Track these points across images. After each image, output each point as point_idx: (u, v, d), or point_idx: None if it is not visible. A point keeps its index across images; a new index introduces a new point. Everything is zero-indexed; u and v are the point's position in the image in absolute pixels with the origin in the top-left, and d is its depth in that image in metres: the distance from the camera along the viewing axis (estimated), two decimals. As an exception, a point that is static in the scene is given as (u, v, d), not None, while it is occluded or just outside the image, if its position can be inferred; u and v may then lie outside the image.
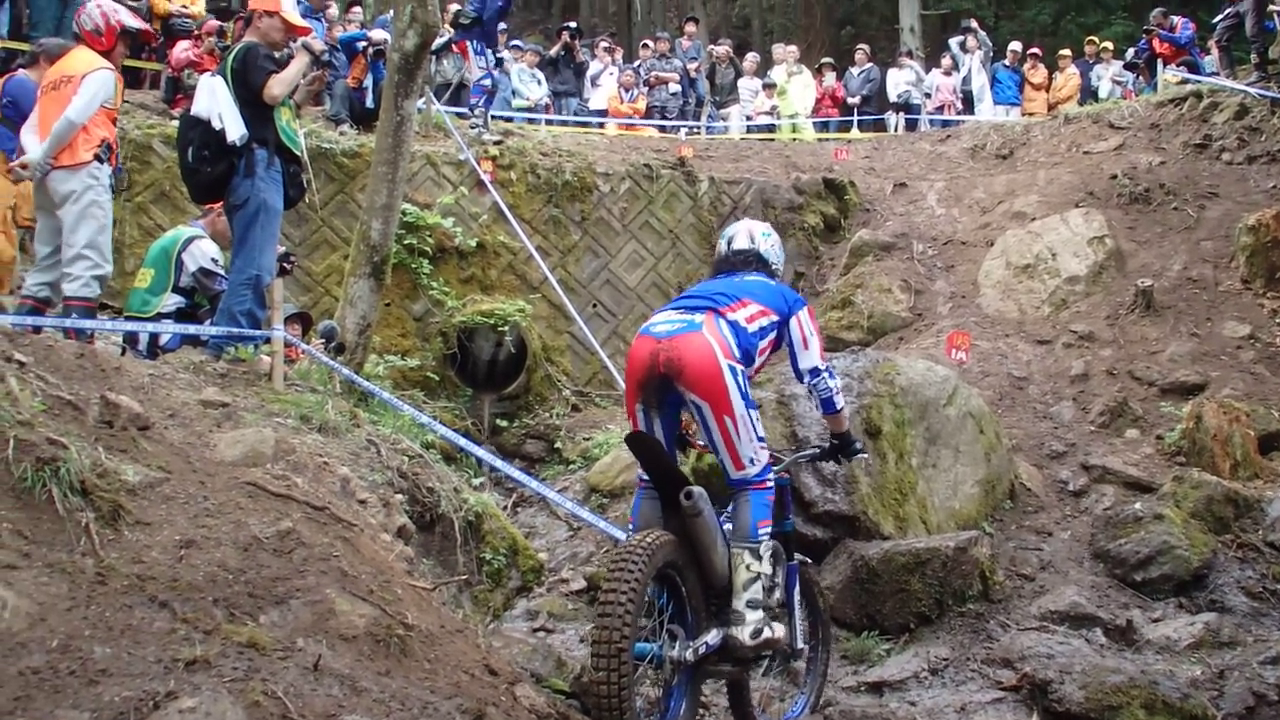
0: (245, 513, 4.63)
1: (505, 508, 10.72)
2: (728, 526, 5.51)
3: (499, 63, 16.37)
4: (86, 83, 7.73)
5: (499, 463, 8.40)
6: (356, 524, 5.20)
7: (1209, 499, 9.20)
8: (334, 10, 17.23)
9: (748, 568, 5.32)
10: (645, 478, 5.51)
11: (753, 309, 5.55)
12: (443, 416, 11.06)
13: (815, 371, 5.71)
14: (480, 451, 8.26)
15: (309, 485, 5.31)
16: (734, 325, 5.41)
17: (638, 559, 4.72)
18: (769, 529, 5.51)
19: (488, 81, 15.72)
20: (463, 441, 7.98)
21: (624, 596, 4.56)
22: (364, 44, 15.03)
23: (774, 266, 6.11)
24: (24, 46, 13.54)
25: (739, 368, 5.30)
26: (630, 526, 5.72)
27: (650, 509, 5.46)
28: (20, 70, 8.78)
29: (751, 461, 5.44)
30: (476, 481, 10.27)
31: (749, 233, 6.18)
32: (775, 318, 5.64)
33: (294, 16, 8.18)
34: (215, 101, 7.38)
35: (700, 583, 5.23)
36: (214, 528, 4.40)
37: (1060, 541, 9.35)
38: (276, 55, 7.90)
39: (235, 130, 7.36)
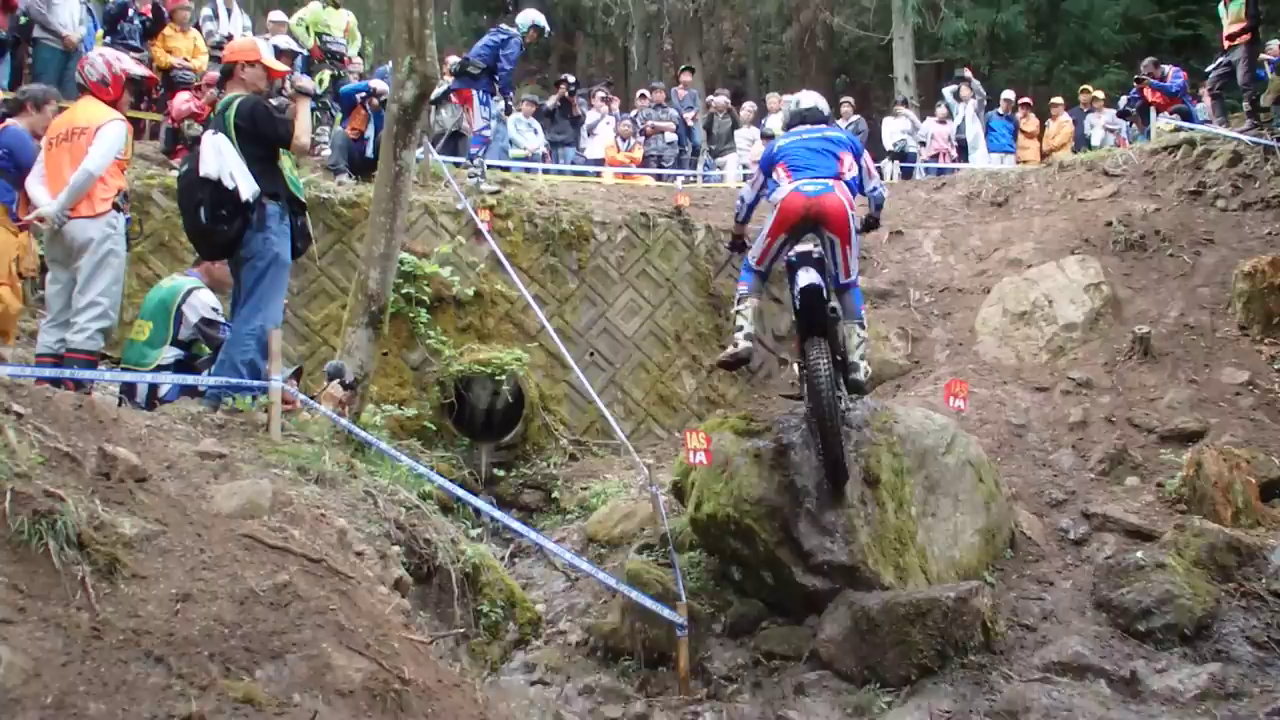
0: (242, 565, 4.59)
1: (502, 558, 10.69)
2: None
3: (508, 109, 16.38)
4: (101, 135, 7.76)
5: (496, 513, 8.38)
6: (353, 576, 5.16)
7: (1211, 547, 9.13)
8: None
9: (858, 335, 8.84)
10: (760, 268, 9.06)
11: (848, 162, 8.84)
12: (440, 466, 11.02)
13: (875, 187, 9.29)
14: (477, 502, 8.24)
15: (306, 537, 5.27)
16: (847, 183, 8.68)
17: (828, 358, 8.34)
18: (863, 310, 9.13)
19: (488, 132, 15.74)
20: (460, 492, 7.95)
21: (826, 379, 8.23)
22: (363, 95, 15.06)
23: (829, 115, 9.67)
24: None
25: (854, 210, 8.61)
26: (745, 287, 9.14)
27: (799, 361, 8.87)
28: (9, 120, 8.76)
29: (852, 271, 8.75)
30: (474, 532, 10.22)
31: (810, 96, 9.79)
32: (855, 161, 8.95)
33: (273, 61, 8.27)
34: (224, 160, 7.36)
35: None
36: (210, 581, 4.37)
37: (1062, 591, 9.29)
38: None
39: (248, 188, 7.36)
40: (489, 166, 15.93)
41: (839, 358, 8.66)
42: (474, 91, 15.00)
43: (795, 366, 9.33)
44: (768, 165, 9.19)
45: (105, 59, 8.18)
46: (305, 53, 16.59)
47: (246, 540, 4.86)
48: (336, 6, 16.39)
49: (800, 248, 8.75)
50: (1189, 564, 8.96)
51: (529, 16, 15.86)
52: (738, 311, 9.14)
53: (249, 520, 5.16)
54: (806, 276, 8.45)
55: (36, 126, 8.70)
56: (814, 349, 8.34)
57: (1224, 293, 13.17)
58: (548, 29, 16.68)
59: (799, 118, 9.42)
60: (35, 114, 8.73)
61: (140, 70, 8.70)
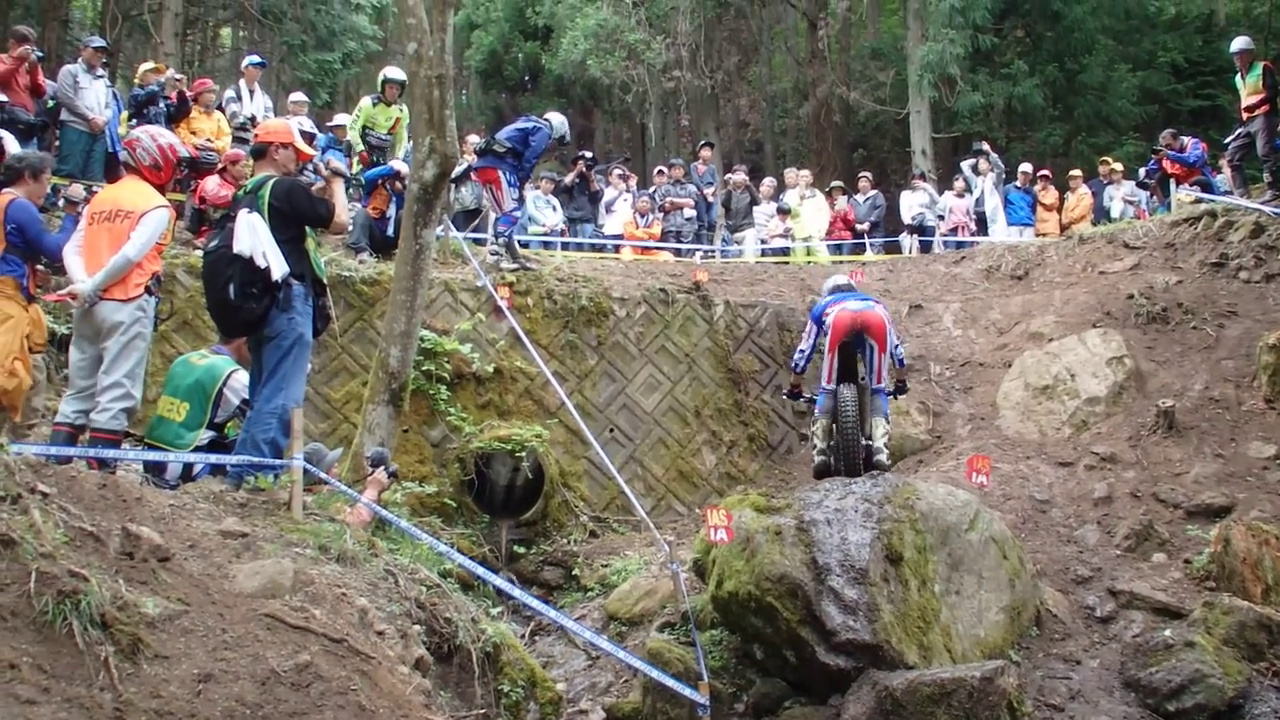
0: (263, 645, 4.58)
1: (523, 636, 10.63)
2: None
3: (521, 199, 16.43)
4: (146, 221, 7.79)
5: (516, 591, 8.32)
6: (374, 656, 5.13)
7: (1241, 625, 9.03)
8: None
9: (883, 426, 10.42)
10: (830, 385, 10.45)
11: (882, 306, 10.88)
12: (460, 543, 10.99)
13: (897, 346, 10.87)
14: (497, 580, 8.18)
15: (327, 617, 5.25)
16: (883, 307, 10.81)
17: (855, 397, 10.27)
18: (888, 411, 10.71)
19: (518, 213, 15.83)
20: (480, 570, 7.90)
21: (852, 414, 10.11)
22: (383, 180, 15.18)
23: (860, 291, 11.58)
24: (56, 180, 13.75)
25: (892, 328, 10.56)
26: (817, 410, 10.84)
27: (830, 401, 10.45)
28: (6, 190, 8.71)
29: (884, 380, 10.51)
30: (494, 610, 10.16)
31: (845, 278, 11.72)
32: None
33: (303, 145, 8.35)
34: (258, 239, 7.40)
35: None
36: (232, 661, 4.36)
37: (1089, 670, 9.19)
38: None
39: (279, 268, 7.40)
40: (521, 245, 15.93)
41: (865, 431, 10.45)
42: (500, 171, 14.97)
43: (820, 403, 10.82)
44: (819, 316, 10.90)
45: (156, 142, 8.22)
46: (347, 142, 16.71)
47: (268, 620, 4.85)
48: (389, 104, 16.42)
49: None
50: (1219, 642, 8.86)
51: (564, 124, 16.19)
52: (812, 432, 11.15)
53: (271, 600, 5.14)
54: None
55: (35, 195, 8.69)
56: (847, 390, 10.19)
57: (1249, 365, 13.09)
58: (568, 139, 17.39)
59: (836, 288, 11.30)
60: (33, 183, 8.68)
61: (185, 150, 8.78)
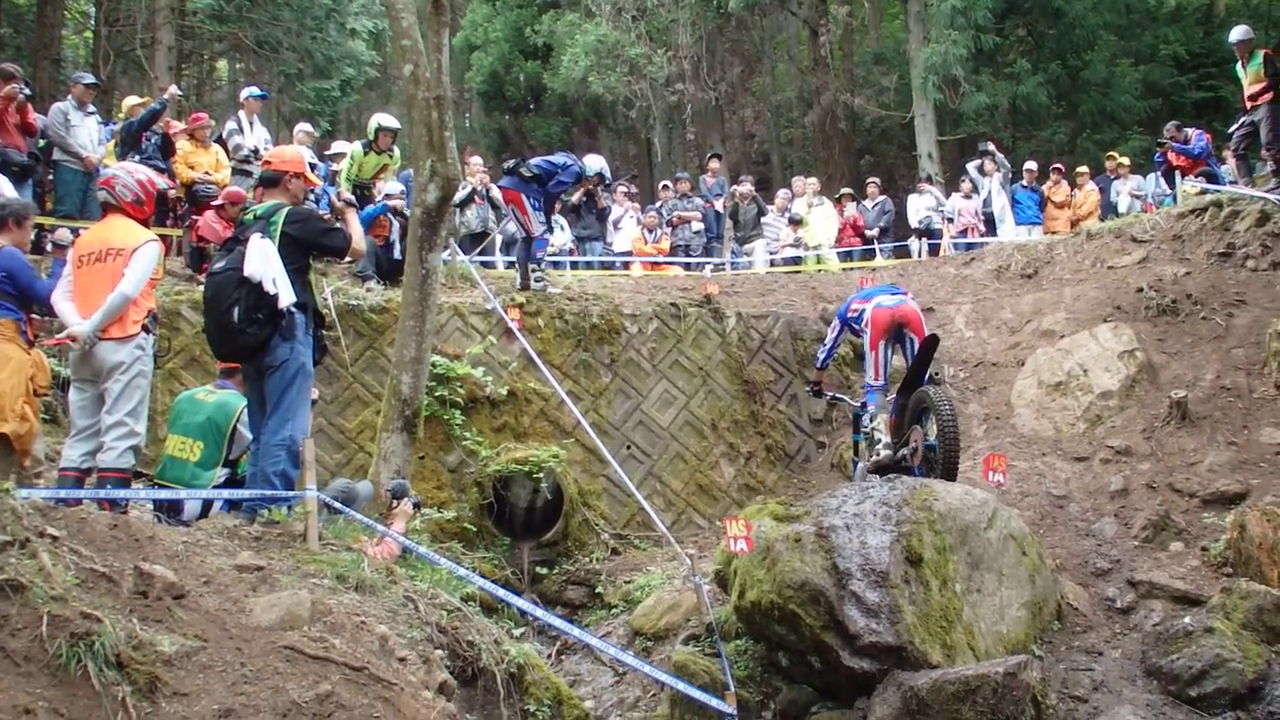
0: (283, 677, 4.61)
1: (548, 656, 10.64)
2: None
3: (550, 228, 16.40)
4: (138, 257, 7.79)
5: (540, 611, 8.35)
6: (396, 683, 5.16)
7: (1259, 609, 9.05)
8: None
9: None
10: (878, 382, 11.07)
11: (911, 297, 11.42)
12: (482, 567, 11.03)
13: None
14: (520, 601, 8.21)
15: (347, 646, 5.28)
16: (912, 298, 11.43)
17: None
18: None
19: (550, 235, 15.84)
20: (501, 592, 7.93)
21: (952, 413, 9.85)
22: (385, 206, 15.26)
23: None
24: (50, 221, 13.78)
25: (923, 319, 11.07)
26: (871, 406, 11.29)
27: (908, 399, 10.52)
28: None
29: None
30: (518, 632, 10.19)
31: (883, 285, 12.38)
32: None
33: (312, 175, 8.38)
34: (269, 265, 7.40)
35: None
36: (252, 695, 4.38)
37: (1111, 660, 9.19)
38: None
39: (287, 296, 7.40)
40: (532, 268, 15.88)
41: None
42: (524, 195, 14.90)
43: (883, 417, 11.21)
44: (845, 313, 11.63)
45: (135, 178, 8.22)
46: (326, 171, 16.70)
47: (287, 652, 4.88)
48: (380, 152, 16.35)
49: None
50: (1237, 627, 8.89)
51: (598, 163, 16.19)
52: (873, 428, 11.31)
53: (289, 631, 5.18)
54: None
55: (20, 243, 8.59)
56: (939, 394, 10.09)
57: (1259, 353, 13.05)
58: (608, 178, 17.43)
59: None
60: (17, 230, 8.56)
61: (163, 182, 8.76)
